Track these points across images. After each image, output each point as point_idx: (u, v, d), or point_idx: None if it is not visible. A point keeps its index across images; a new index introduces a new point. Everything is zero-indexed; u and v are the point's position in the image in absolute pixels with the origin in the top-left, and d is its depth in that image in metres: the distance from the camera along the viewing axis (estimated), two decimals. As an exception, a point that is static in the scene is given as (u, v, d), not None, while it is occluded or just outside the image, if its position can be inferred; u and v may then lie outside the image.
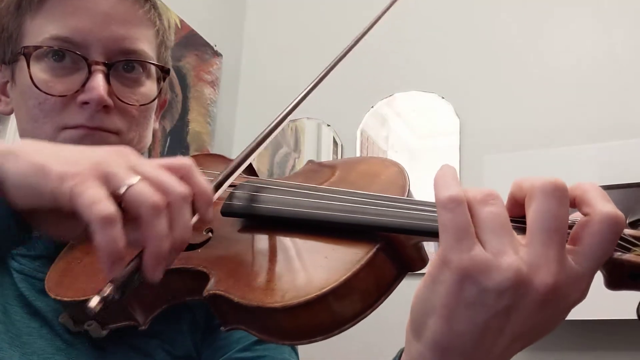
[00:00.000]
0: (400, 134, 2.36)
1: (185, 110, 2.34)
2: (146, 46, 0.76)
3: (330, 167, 0.70)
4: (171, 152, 2.25)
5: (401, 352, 0.51)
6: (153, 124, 0.82)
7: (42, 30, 0.72)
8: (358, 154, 2.34)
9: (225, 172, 0.57)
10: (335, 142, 2.41)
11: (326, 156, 2.40)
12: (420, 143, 2.31)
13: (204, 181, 0.50)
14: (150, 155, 2.06)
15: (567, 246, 0.43)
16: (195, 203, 0.49)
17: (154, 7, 0.79)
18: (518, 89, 2.21)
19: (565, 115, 2.10)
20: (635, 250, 0.44)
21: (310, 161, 0.73)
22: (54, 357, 0.66)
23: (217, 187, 0.56)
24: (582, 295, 0.44)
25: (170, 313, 0.64)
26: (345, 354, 1.97)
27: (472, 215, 0.43)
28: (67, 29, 0.71)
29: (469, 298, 0.42)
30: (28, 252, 0.73)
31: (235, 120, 2.65)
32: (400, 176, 0.59)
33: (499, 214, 0.43)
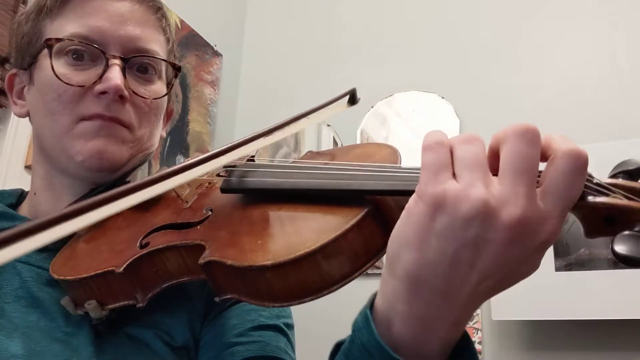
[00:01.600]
0: (400, 134, 2.36)
1: (185, 110, 2.35)
2: (158, 48, 0.81)
3: (327, 153, 0.73)
4: (171, 151, 2.25)
5: (374, 295, 0.52)
6: (161, 129, 0.87)
7: (61, 29, 0.77)
8: (358, 154, 2.35)
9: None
10: (335, 142, 2.41)
11: (326, 156, 2.41)
12: (420, 143, 2.31)
13: None
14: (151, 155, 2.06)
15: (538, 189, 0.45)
16: None
17: (165, 17, 0.84)
18: (518, 89, 2.21)
19: (565, 115, 2.10)
20: (612, 196, 0.46)
21: (309, 151, 0.76)
22: (52, 346, 0.66)
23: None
24: (550, 235, 0.45)
25: (169, 303, 0.65)
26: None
27: (452, 155, 0.46)
28: (85, 28, 0.76)
29: (439, 227, 0.44)
30: None
31: (235, 120, 2.66)
32: (393, 155, 0.62)
33: (475, 152, 0.45)
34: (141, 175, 0.88)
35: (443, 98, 2.30)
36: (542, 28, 2.25)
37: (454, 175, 0.45)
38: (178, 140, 2.30)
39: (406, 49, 2.44)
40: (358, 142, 2.37)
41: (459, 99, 2.28)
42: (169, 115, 0.92)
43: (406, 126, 2.37)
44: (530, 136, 0.44)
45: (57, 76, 0.74)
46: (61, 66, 0.75)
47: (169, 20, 0.85)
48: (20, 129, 1.77)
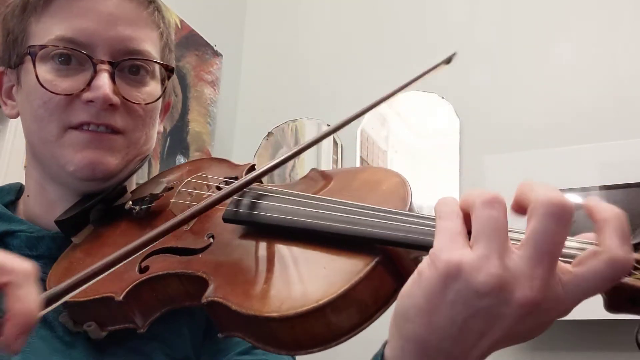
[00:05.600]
0: (400, 134, 2.35)
1: (185, 110, 2.34)
2: (150, 47, 0.77)
3: (332, 176, 0.70)
4: (171, 152, 2.25)
5: (385, 344, 0.51)
6: (158, 126, 0.83)
7: (47, 31, 0.72)
8: (358, 154, 2.34)
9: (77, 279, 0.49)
10: (335, 142, 2.40)
11: (326, 156, 2.40)
12: (420, 143, 2.31)
13: (29, 301, 0.41)
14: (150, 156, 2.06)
15: (568, 267, 0.43)
16: (4, 325, 0.40)
17: (158, 9, 0.79)
18: (518, 89, 2.21)
19: (565, 115, 2.10)
20: (635, 274, 0.44)
21: (313, 169, 0.73)
22: (52, 358, 0.65)
23: (54, 299, 0.46)
24: (563, 314, 0.44)
25: (170, 316, 0.64)
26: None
27: (472, 216, 0.44)
28: (72, 30, 0.72)
29: (451, 296, 0.43)
30: (30, 252, 0.73)
31: (235, 120, 2.65)
32: (402, 187, 0.59)
33: (496, 219, 0.43)
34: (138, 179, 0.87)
35: (443, 98, 2.30)
36: (542, 28, 2.25)
37: (470, 235, 0.44)
38: (178, 140, 2.30)
39: (406, 49, 2.44)
40: (358, 142, 2.36)
41: (459, 99, 2.27)
42: (166, 108, 0.88)
43: (406, 126, 2.37)
44: (563, 216, 0.42)
45: (41, 84, 0.70)
46: (47, 72, 0.72)
47: (163, 13, 0.81)
48: (20, 129, 1.76)
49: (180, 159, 2.28)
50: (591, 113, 2.06)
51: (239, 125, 2.65)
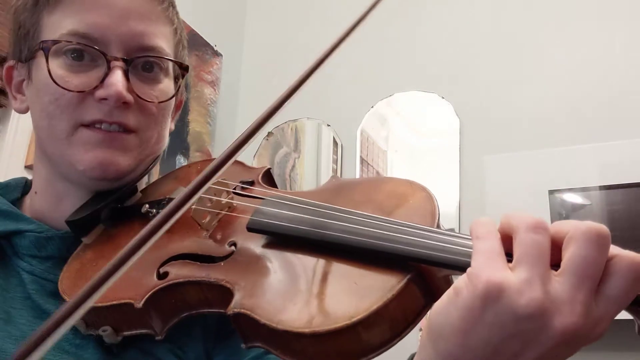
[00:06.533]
0: (400, 134, 2.35)
1: (185, 110, 2.34)
2: (164, 43, 0.75)
3: (355, 185, 0.69)
4: (171, 152, 2.25)
5: (412, 356, 0.51)
6: (170, 124, 0.81)
7: (59, 25, 0.71)
8: (358, 154, 2.34)
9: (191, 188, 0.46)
10: (335, 142, 2.40)
11: (326, 156, 2.40)
12: (420, 143, 2.31)
13: None
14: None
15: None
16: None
17: (172, 5, 0.78)
18: (518, 89, 2.21)
19: (565, 115, 2.10)
20: None
21: (333, 177, 0.71)
22: (62, 358, 0.65)
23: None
24: (598, 336, 0.44)
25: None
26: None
27: (515, 239, 0.44)
28: (85, 25, 0.70)
29: (489, 318, 0.43)
30: (39, 252, 0.72)
31: (235, 120, 2.65)
32: (430, 202, 0.58)
33: (541, 244, 0.43)
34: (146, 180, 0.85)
35: (443, 98, 2.30)
36: (542, 27, 2.25)
37: (508, 256, 0.44)
38: (178, 141, 2.30)
39: (406, 48, 2.44)
40: (358, 142, 2.36)
41: (459, 99, 2.27)
42: (178, 106, 0.86)
43: (406, 126, 2.37)
44: (602, 242, 0.43)
45: (54, 80, 0.69)
46: (59, 67, 0.70)
47: (177, 8, 0.79)
48: (20, 130, 1.77)
49: (181, 159, 2.29)
50: (591, 113, 2.06)
51: (239, 125, 2.65)
